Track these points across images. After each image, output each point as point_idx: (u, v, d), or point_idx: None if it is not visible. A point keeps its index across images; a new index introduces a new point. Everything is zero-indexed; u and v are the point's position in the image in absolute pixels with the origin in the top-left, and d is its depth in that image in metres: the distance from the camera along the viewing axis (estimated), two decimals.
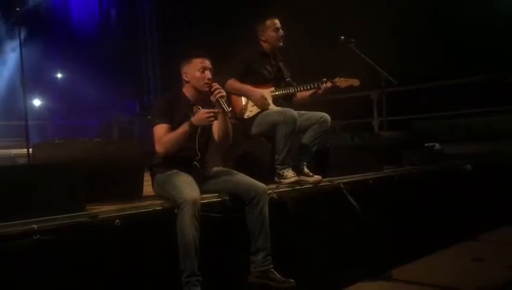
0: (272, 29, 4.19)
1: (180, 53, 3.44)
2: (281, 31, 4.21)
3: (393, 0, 8.15)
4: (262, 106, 4.11)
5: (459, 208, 4.95)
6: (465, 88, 8.18)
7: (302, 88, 4.18)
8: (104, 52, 9.82)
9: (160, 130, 3.21)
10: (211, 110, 3.16)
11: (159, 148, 3.19)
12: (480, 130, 7.75)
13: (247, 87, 4.11)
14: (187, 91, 3.39)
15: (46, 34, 9.45)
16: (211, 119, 3.14)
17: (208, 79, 3.28)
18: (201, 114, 3.15)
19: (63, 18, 10.08)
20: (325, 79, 4.13)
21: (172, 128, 3.22)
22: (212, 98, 3.21)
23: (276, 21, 4.22)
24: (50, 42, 9.42)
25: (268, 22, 4.21)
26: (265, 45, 4.25)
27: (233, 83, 4.07)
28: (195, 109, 3.34)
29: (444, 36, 8.61)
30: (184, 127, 3.15)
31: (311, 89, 4.17)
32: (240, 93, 4.13)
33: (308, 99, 4.31)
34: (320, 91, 4.15)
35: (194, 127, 3.16)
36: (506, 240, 4.73)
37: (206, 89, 3.26)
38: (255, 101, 4.12)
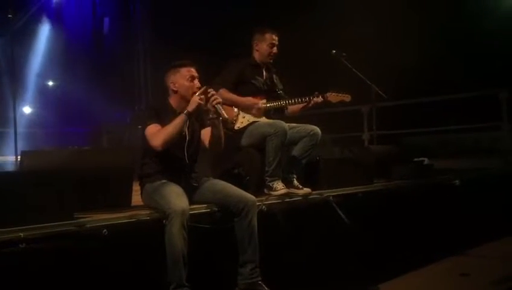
0: (268, 43, 4.22)
1: (169, 63, 3.45)
2: (275, 49, 4.23)
3: (384, 17, 8.26)
4: (256, 112, 4.10)
5: (448, 222, 4.97)
6: (455, 104, 8.26)
7: (293, 101, 4.19)
8: (96, 60, 9.80)
9: (153, 127, 3.19)
10: (200, 90, 3.17)
11: (156, 141, 3.13)
12: (469, 145, 7.82)
13: (238, 97, 4.12)
14: (173, 101, 3.38)
15: (38, 41, 9.44)
16: (201, 99, 3.14)
17: (197, 88, 3.29)
18: (193, 98, 3.16)
19: (56, 25, 10.05)
20: (316, 93, 4.15)
21: None
22: (209, 105, 3.21)
23: (275, 37, 4.23)
24: (42, 49, 9.40)
25: (267, 35, 4.22)
26: (256, 54, 4.27)
27: (224, 93, 4.08)
28: None
29: (436, 52, 8.73)
30: (180, 117, 3.15)
31: (302, 102, 4.19)
32: (231, 103, 4.13)
33: (299, 112, 4.32)
34: (310, 104, 4.16)
35: (190, 114, 3.16)
36: (494, 255, 4.75)
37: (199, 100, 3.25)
38: (247, 109, 4.12)
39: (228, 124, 3.94)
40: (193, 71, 3.35)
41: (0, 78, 7.87)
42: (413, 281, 4.04)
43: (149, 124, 3.20)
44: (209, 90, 3.22)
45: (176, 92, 3.35)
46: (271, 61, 4.29)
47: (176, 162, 3.30)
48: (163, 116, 3.26)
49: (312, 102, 4.13)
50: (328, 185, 4.32)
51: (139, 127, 3.37)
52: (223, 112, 3.21)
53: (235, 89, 4.15)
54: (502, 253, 4.82)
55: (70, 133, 9.57)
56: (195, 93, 3.24)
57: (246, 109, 4.13)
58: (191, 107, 3.15)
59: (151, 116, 3.25)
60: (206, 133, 3.41)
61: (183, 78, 3.32)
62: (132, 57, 11.01)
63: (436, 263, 4.44)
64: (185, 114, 3.14)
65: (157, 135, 3.15)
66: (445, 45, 8.82)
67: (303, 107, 4.24)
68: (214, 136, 3.33)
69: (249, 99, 4.13)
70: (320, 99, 4.13)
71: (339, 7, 8.40)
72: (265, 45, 4.22)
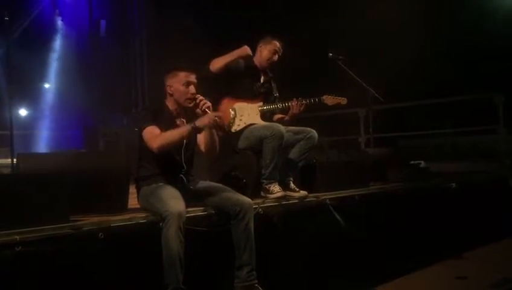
0: (272, 48, 4.25)
1: (167, 66, 3.44)
2: (276, 56, 4.26)
3: (381, 20, 8.29)
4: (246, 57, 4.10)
5: (444, 225, 4.98)
6: (451, 107, 8.30)
7: (290, 104, 4.18)
8: (93, 63, 9.79)
9: (152, 129, 3.18)
10: (217, 113, 3.17)
11: (154, 144, 3.12)
12: (465, 148, 7.86)
13: (228, 53, 4.06)
14: (170, 104, 3.38)
15: (35, 43, 9.43)
16: (217, 120, 3.11)
17: (192, 94, 3.28)
18: (209, 115, 3.12)
19: (52, 27, 10.04)
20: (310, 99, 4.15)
21: None
22: (199, 111, 3.21)
23: (278, 46, 4.26)
24: (38, 52, 9.40)
25: (274, 41, 4.26)
26: (257, 57, 4.29)
27: (214, 61, 4.03)
28: (178, 121, 3.35)
29: (431, 56, 8.76)
30: (186, 127, 3.14)
31: (300, 104, 4.17)
32: (223, 60, 4.03)
33: (290, 118, 4.28)
34: (302, 108, 4.14)
35: (196, 130, 3.15)
36: (490, 258, 4.76)
37: (189, 105, 3.27)
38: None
39: (223, 128, 3.90)
40: (191, 77, 3.32)
41: None
42: (410, 284, 4.04)
43: (147, 126, 3.19)
44: (197, 96, 3.22)
45: (171, 95, 3.36)
46: (266, 66, 4.30)
47: (172, 164, 3.29)
48: (160, 118, 3.26)
49: (309, 104, 4.14)
50: (325, 188, 4.33)
51: (136, 129, 3.36)
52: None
53: (231, 88, 4.15)
54: (499, 256, 4.83)
55: (67, 135, 9.55)
56: (190, 99, 3.25)
57: (239, 58, 4.07)
58: (201, 123, 3.12)
59: (148, 118, 3.24)
60: (201, 138, 3.41)
61: (179, 83, 3.30)
62: (129, 59, 11.02)
63: (432, 266, 4.45)
64: (192, 127, 3.12)
65: (157, 138, 3.14)
66: (443, 48, 8.85)
67: (298, 109, 4.19)
68: (207, 141, 3.32)
69: (237, 51, 4.08)
70: (316, 101, 4.14)
71: (338, 10, 8.44)
72: (268, 49, 4.24)
